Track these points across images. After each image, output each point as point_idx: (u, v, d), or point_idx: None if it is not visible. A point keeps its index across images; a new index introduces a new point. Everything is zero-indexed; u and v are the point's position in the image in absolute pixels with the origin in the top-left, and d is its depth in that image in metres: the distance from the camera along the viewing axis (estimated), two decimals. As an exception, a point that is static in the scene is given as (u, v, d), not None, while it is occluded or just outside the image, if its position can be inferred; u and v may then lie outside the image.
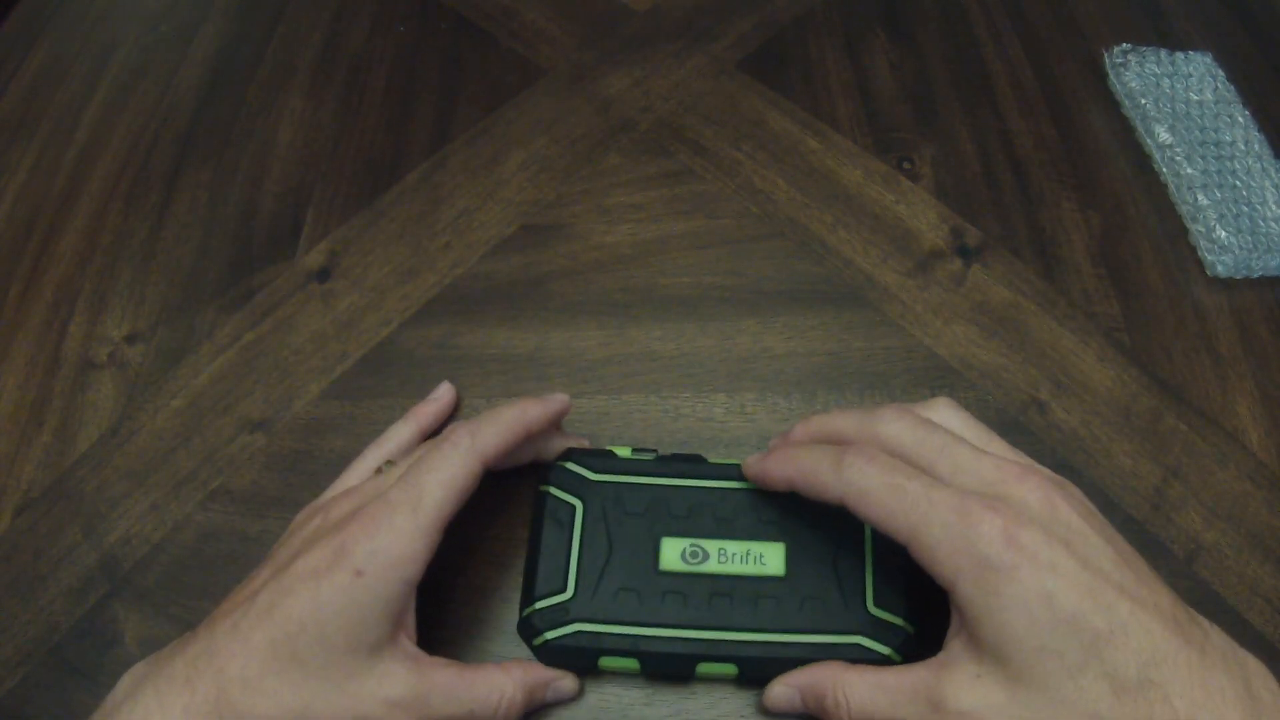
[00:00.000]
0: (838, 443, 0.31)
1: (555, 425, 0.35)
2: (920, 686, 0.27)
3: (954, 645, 0.28)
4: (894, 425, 0.30)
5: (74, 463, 0.38)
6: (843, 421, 0.32)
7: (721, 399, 0.39)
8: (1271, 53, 0.51)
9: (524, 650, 0.32)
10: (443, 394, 0.38)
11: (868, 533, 0.32)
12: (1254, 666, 0.26)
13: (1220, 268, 0.42)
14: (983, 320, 0.42)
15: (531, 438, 0.33)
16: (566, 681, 0.32)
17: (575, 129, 0.49)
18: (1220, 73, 0.49)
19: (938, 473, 0.28)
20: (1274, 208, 0.43)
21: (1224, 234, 0.42)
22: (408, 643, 0.29)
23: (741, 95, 0.50)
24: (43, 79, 0.53)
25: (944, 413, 0.32)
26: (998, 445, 0.31)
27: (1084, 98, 0.50)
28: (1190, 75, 0.49)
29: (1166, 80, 0.48)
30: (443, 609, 0.34)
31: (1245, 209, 0.43)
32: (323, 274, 0.44)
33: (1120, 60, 0.49)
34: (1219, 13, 0.53)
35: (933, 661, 0.28)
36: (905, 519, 0.27)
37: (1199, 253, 0.43)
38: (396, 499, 0.28)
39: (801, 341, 0.41)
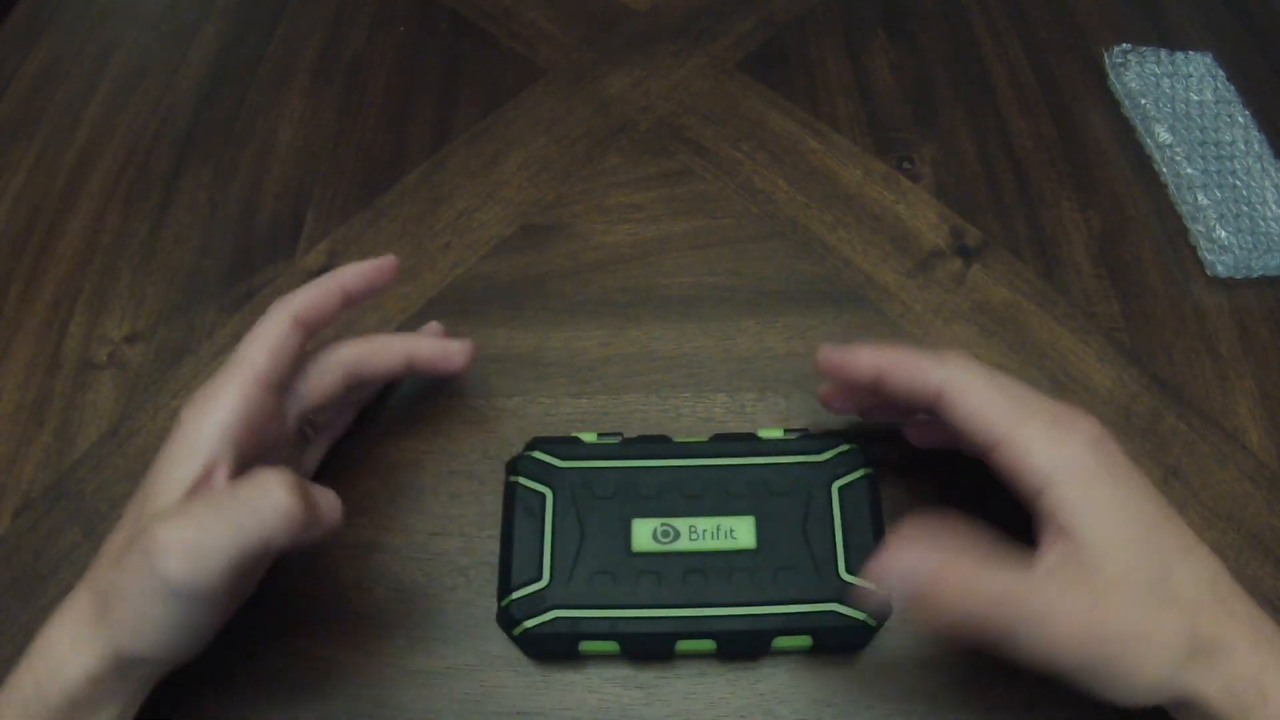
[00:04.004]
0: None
1: (377, 287, 0.34)
2: (1015, 588, 0.26)
3: (1045, 554, 0.27)
4: (964, 360, 0.30)
5: (74, 463, 0.38)
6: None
7: (722, 399, 0.39)
8: (1271, 53, 0.51)
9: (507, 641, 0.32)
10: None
11: (835, 500, 0.33)
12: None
13: (1220, 268, 0.42)
14: (983, 320, 0.42)
15: (352, 300, 0.34)
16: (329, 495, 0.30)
17: (575, 129, 0.49)
18: (1220, 73, 0.49)
19: None
20: (1274, 208, 0.43)
21: (1224, 234, 0.42)
22: (220, 477, 0.29)
23: (741, 95, 0.50)
24: (43, 79, 0.53)
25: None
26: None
27: (1084, 98, 0.50)
28: (1190, 75, 0.49)
29: (1166, 80, 0.48)
30: (437, 607, 0.34)
31: (1245, 209, 0.43)
32: (323, 274, 0.44)
33: (1120, 60, 0.49)
34: (1219, 13, 0.53)
35: (1022, 570, 0.27)
36: (1004, 413, 0.28)
37: (1199, 253, 0.43)
38: (221, 370, 0.31)
39: (801, 341, 0.41)
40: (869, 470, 0.33)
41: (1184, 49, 0.50)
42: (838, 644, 0.31)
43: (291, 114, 0.50)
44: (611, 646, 0.31)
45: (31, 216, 0.47)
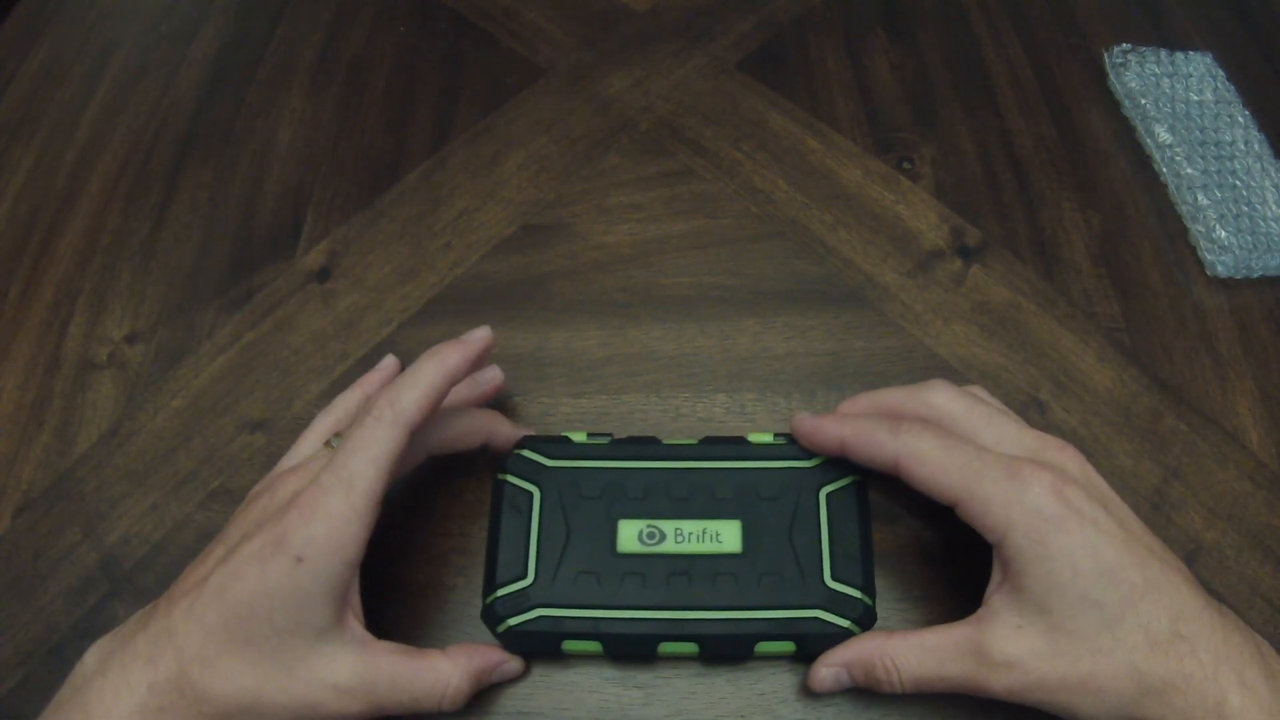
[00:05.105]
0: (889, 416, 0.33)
1: (481, 362, 0.34)
2: (964, 642, 0.28)
3: (995, 600, 0.29)
4: (943, 394, 0.32)
5: (74, 463, 0.38)
6: (891, 394, 0.34)
7: (721, 399, 0.39)
8: (1271, 53, 0.51)
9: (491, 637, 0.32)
10: (387, 364, 0.38)
11: (822, 507, 0.33)
12: (1259, 638, 0.28)
13: (1220, 268, 0.42)
14: (983, 320, 0.42)
15: (457, 384, 0.32)
16: (512, 663, 0.32)
17: (575, 129, 0.49)
18: (1220, 73, 0.49)
19: (982, 440, 0.30)
20: (1274, 208, 0.43)
21: (1224, 234, 0.42)
22: (355, 624, 0.29)
23: (741, 95, 0.50)
24: (43, 79, 0.53)
25: (943, 394, 0.33)
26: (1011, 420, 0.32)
27: (1084, 98, 0.50)
28: (1190, 75, 0.49)
29: (1166, 80, 0.48)
30: (437, 606, 0.34)
31: (1245, 209, 0.43)
32: (323, 274, 0.44)
33: (1120, 60, 0.49)
34: (1219, 13, 0.53)
35: (972, 618, 0.29)
36: (960, 476, 0.29)
37: (1199, 253, 0.43)
38: (328, 483, 0.28)
39: (801, 341, 0.41)
40: (858, 477, 0.33)
41: (1184, 49, 0.50)
42: (821, 651, 0.31)
43: (291, 114, 0.50)
44: (594, 646, 0.31)
45: (31, 216, 0.47)
